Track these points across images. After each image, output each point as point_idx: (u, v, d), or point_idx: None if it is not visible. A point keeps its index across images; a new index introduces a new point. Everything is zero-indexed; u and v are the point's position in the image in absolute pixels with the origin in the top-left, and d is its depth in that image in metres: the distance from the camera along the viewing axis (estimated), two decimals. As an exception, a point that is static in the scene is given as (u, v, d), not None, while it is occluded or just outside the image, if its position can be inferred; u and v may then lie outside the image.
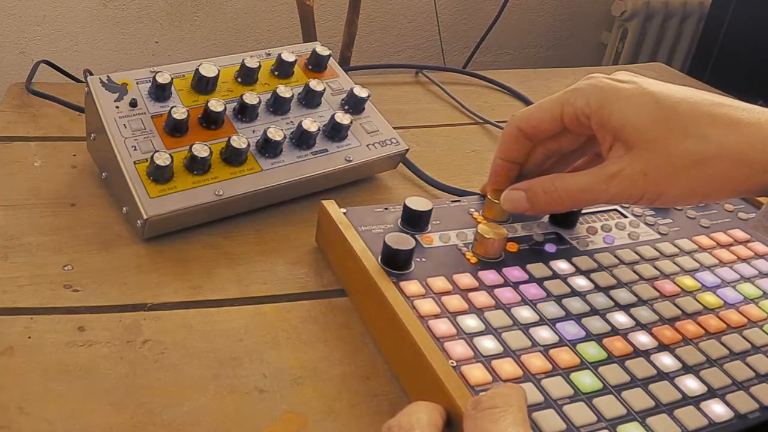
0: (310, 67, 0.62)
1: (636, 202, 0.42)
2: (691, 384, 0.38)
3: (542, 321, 0.41)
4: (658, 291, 0.46)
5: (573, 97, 0.43)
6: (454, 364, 0.37)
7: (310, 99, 0.59)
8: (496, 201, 0.49)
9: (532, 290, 0.44)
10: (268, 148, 0.54)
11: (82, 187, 0.56)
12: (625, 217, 0.53)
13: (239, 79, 0.58)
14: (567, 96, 0.44)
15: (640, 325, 0.42)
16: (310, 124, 0.55)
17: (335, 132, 0.57)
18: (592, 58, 2.20)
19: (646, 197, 0.41)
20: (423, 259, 0.45)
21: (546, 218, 0.51)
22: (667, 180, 0.40)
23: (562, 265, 0.46)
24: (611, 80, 0.43)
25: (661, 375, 0.39)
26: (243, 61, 0.58)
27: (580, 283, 0.45)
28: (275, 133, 0.53)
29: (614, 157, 0.42)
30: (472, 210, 0.51)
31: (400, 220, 0.48)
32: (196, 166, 0.51)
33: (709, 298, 0.45)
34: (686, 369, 0.40)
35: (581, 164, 0.49)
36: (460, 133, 0.74)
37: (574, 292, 0.44)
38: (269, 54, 0.61)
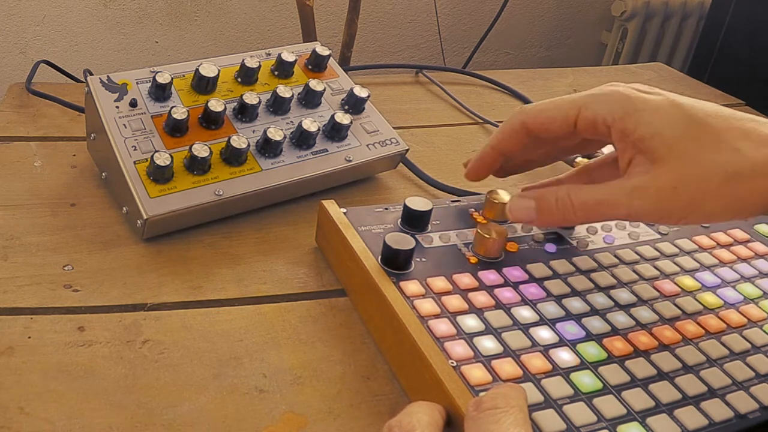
0: (310, 67, 0.62)
1: (660, 221, 0.39)
2: (691, 384, 0.38)
3: (542, 321, 0.41)
4: (658, 291, 0.46)
5: (594, 103, 0.41)
6: (454, 364, 0.37)
7: (310, 99, 0.59)
8: (496, 201, 0.49)
9: (532, 290, 0.44)
10: (268, 148, 0.54)
11: (82, 187, 0.56)
12: (625, 217, 0.53)
13: (239, 79, 0.58)
14: (586, 100, 0.41)
15: (640, 325, 0.42)
16: (310, 124, 0.55)
17: (335, 132, 0.57)
18: (592, 58, 2.20)
19: (673, 215, 0.38)
20: (423, 259, 0.45)
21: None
22: (697, 195, 0.37)
23: (562, 265, 0.46)
24: (635, 90, 0.40)
25: (661, 375, 0.39)
26: (243, 61, 0.58)
27: (580, 283, 0.45)
28: (275, 133, 0.53)
29: (637, 171, 0.39)
30: (472, 210, 0.51)
31: (400, 220, 0.48)
32: (196, 166, 0.51)
33: (709, 298, 0.45)
34: (686, 369, 0.40)
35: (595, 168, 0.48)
36: (460, 133, 0.74)
37: (574, 292, 0.44)
38: (269, 54, 0.61)
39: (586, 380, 0.37)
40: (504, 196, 0.50)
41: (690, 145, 0.38)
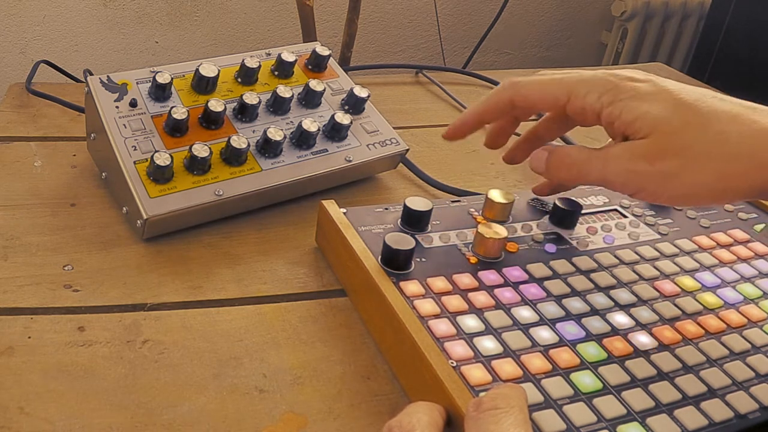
0: (310, 67, 0.62)
1: (633, 193, 0.40)
2: (691, 384, 0.38)
3: (542, 321, 0.41)
4: (658, 291, 0.46)
5: (583, 90, 0.41)
6: (454, 364, 0.37)
7: (310, 99, 0.59)
8: (496, 201, 0.50)
9: (532, 290, 0.44)
10: (268, 148, 0.54)
11: (82, 187, 0.56)
12: (625, 217, 0.53)
13: (239, 79, 0.58)
14: (576, 86, 0.41)
15: (640, 325, 0.42)
16: (310, 124, 0.55)
17: (335, 132, 0.57)
18: (592, 58, 2.20)
19: (646, 190, 0.39)
20: (423, 259, 0.45)
21: (546, 218, 0.51)
22: (673, 172, 0.37)
23: (562, 266, 0.46)
24: (626, 77, 0.41)
25: (661, 375, 0.39)
26: (243, 61, 0.58)
27: (580, 283, 0.45)
28: (275, 133, 0.53)
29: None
30: (472, 210, 0.51)
31: (400, 220, 0.48)
32: (196, 166, 0.51)
33: (709, 298, 0.45)
34: (686, 369, 0.40)
35: None
36: (460, 133, 0.74)
37: (574, 292, 0.44)
38: (269, 54, 0.61)
39: (586, 380, 0.37)
40: (504, 197, 0.50)
41: (675, 125, 0.38)
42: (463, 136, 0.49)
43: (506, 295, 0.43)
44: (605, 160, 0.40)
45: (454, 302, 0.41)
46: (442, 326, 0.39)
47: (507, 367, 0.37)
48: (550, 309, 0.42)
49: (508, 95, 0.45)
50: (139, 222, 0.49)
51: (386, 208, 0.49)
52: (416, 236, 0.47)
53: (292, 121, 0.57)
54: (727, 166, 0.37)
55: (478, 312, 0.41)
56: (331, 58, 0.63)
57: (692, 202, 0.39)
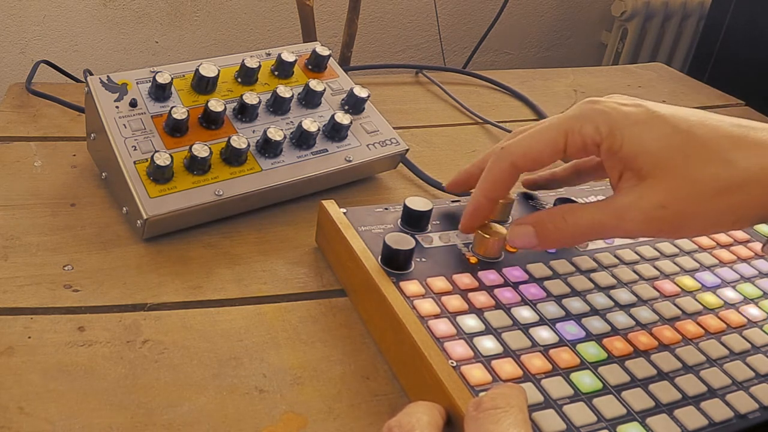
0: (310, 67, 0.62)
1: (654, 237, 0.39)
2: (691, 384, 0.38)
3: (542, 321, 0.41)
4: (658, 291, 0.46)
5: (578, 125, 0.39)
6: (454, 364, 0.37)
7: (310, 99, 0.59)
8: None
9: (532, 290, 0.44)
10: (268, 148, 0.54)
11: (82, 187, 0.56)
12: (625, 217, 0.53)
13: (239, 79, 0.58)
14: (570, 124, 0.40)
15: (640, 325, 0.42)
16: (310, 124, 0.55)
17: (335, 132, 0.57)
18: (592, 58, 2.20)
19: (665, 232, 0.38)
20: (423, 259, 0.45)
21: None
22: (688, 211, 0.36)
23: (562, 265, 0.46)
24: (615, 104, 0.39)
25: (661, 375, 0.39)
26: (243, 61, 0.58)
27: (580, 283, 0.45)
28: (275, 133, 0.53)
29: (625, 188, 0.38)
30: (472, 210, 0.51)
31: (400, 220, 0.48)
32: (196, 166, 0.51)
33: (709, 298, 0.46)
34: (686, 369, 0.40)
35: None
36: (460, 133, 0.74)
37: (574, 292, 0.44)
38: (269, 54, 0.61)
39: (586, 380, 0.37)
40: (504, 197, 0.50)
41: (676, 159, 0.37)
42: (482, 223, 0.46)
43: (506, 295, 0.43)
44: (620, 217, 0.38)
45: (454, 302, 0.41)
46: (442, 326, 0.39)
47: (507, 367, 0.37)
48: (550, 309, 0.42)
49: (508, 162, 0.41)
50: (139, 222, 0.49)
51: (386, 208, 0.49)
52: (416, 236, 0.47)
53: (292, 121, 0.57)
54: (738, 197, 0.36)
55: (478, 312, 0.41)
56: (331, 58, 0.63)
57: (713, 232, 0.38)
